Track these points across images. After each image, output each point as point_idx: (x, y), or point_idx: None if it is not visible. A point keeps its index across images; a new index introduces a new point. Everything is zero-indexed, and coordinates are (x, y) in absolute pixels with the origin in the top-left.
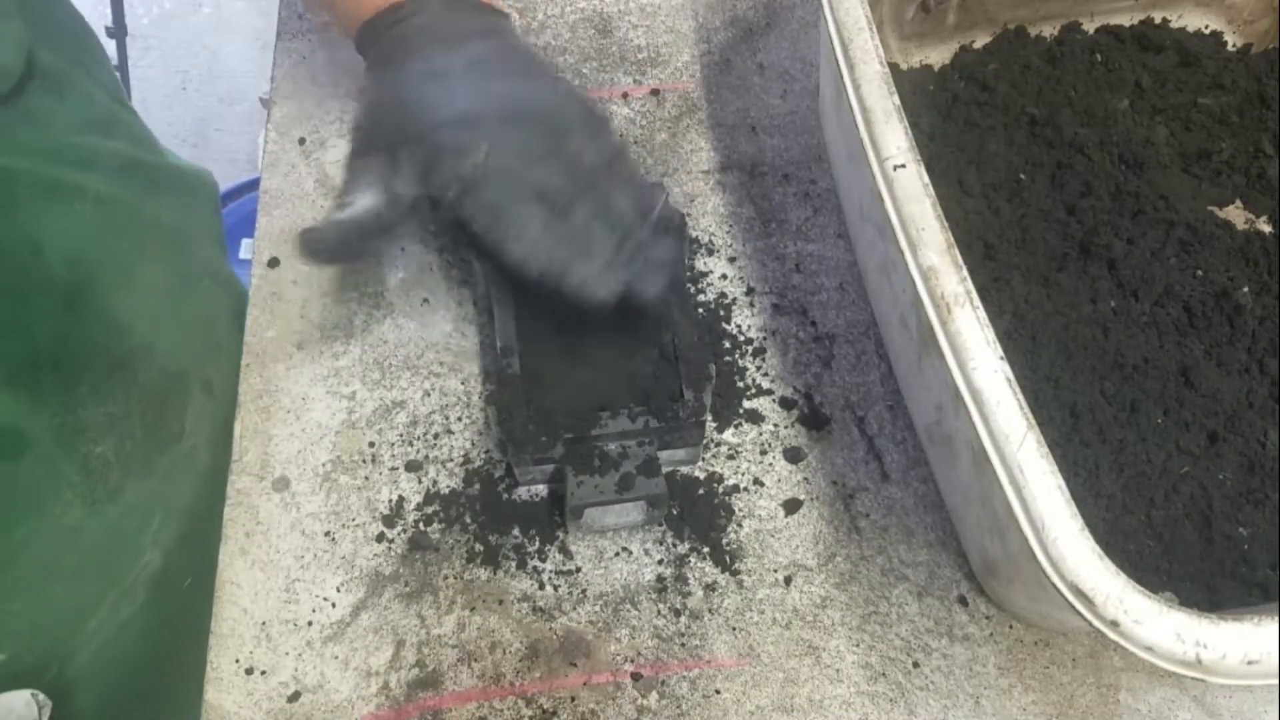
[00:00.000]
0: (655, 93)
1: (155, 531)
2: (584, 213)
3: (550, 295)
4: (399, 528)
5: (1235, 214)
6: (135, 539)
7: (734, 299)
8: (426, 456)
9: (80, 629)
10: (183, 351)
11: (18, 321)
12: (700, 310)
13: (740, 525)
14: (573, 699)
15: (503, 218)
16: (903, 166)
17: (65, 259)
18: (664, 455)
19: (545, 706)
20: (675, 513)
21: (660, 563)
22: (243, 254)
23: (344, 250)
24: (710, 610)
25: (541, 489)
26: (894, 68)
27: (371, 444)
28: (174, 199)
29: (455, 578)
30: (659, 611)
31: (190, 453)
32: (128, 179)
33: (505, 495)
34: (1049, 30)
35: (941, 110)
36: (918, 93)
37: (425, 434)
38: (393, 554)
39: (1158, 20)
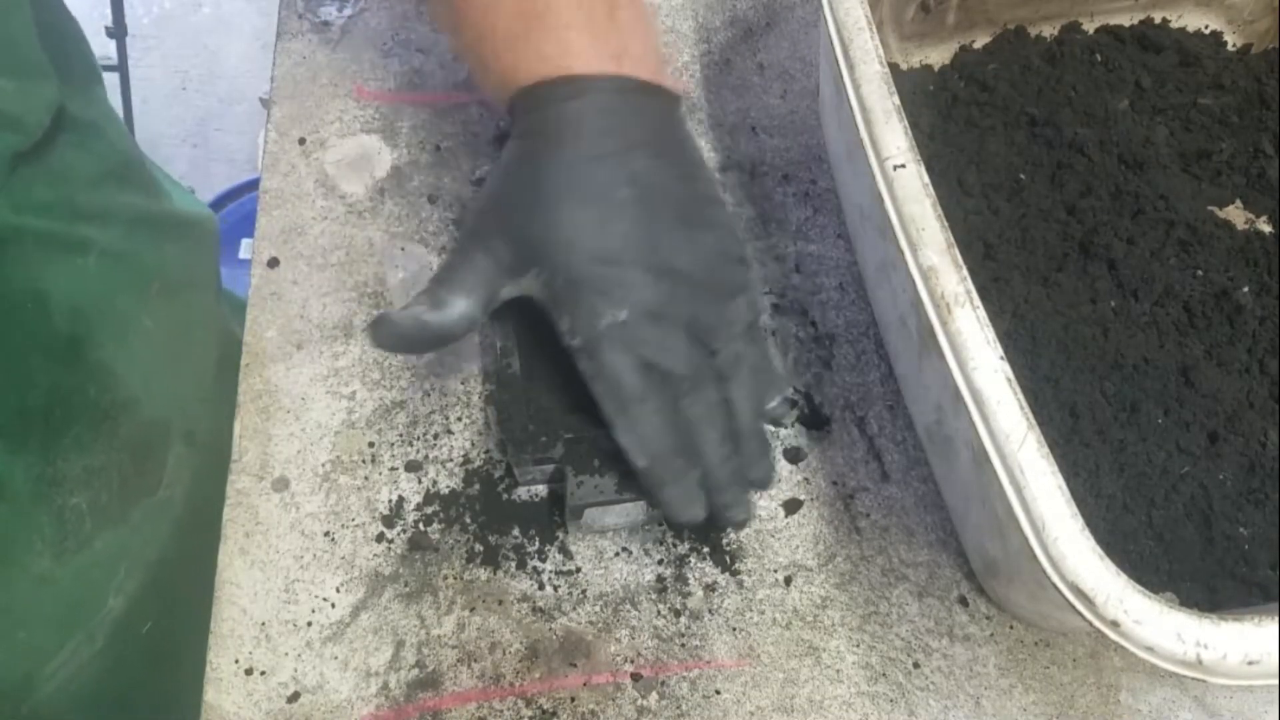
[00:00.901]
0: None
1: (121, 580)
2: (700, 407)
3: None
4: (399, 528)
5: (1235, 214)
6: (101, 587)
7: None
8: (426, 456)
9: (40, 671)
10: (169, 403)
11: (13, 372)
12: None
13: None
14: (573, 699)
15: (620, 394)
16: (903, 166)
17: (67, 312)
18: None
19: (545, 707)
20: None
21: (660, 563)
22: (242, 254)
23: (419, 348)
24: (710, 610)
25: (541, 489)
26: (894, 68)
27: (371, 444)
28: (178, 248)
29: (455, 578)
30: (659, 612)
31: (164, 503)
32: (137, 231)
33: (505, 495)
34: (1049, 30)
35: (941, 110)
36: (918, 93)
37: (425, 434)
38: (393, 554)
39: (1158, 20)
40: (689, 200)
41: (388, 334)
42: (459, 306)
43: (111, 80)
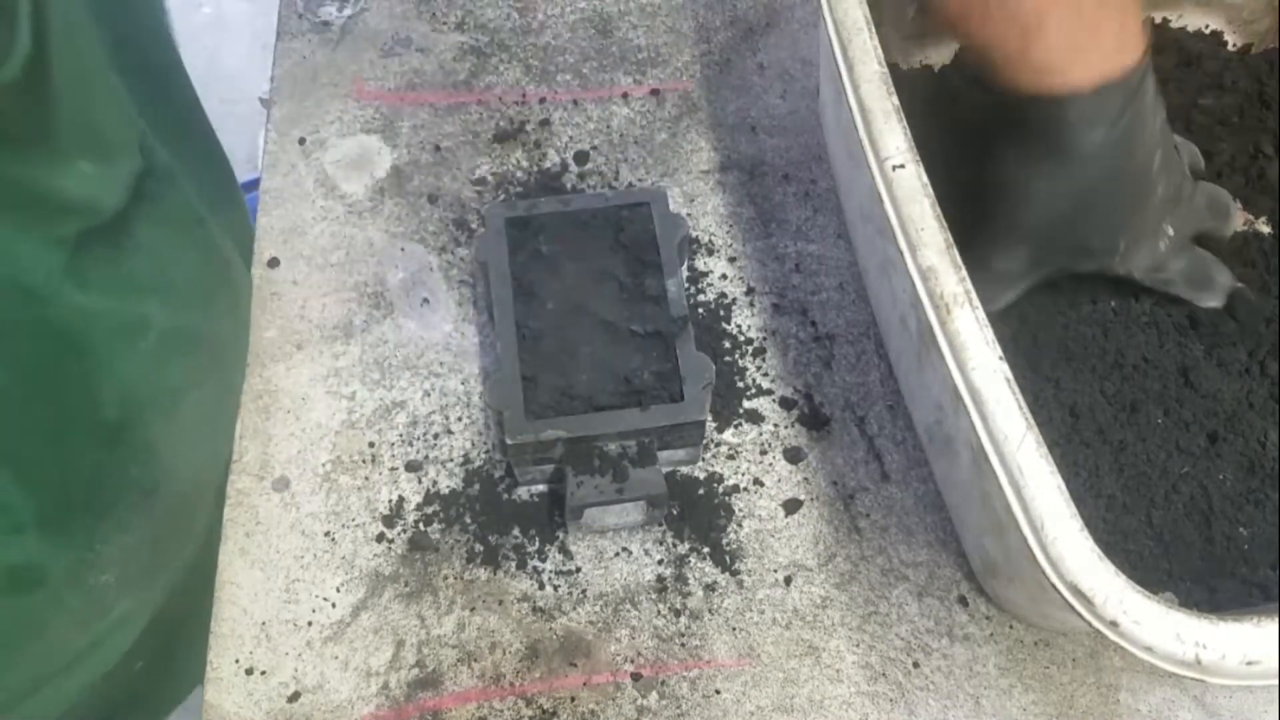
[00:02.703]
0: (655, 93)
1: (130, 635)
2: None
3: None
4: (399, 528)
5: (1235, 214)
6: (112, 647)
7: (734, 299)
8: (426, 456)
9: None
10: (205, 466)
11: (60, 462)
12: (700, 310)
13: (740, 525)
14: (573, 699)
15: (1198, 282)
16: (902, 166)
17: (118, 398)
18: (664, 455)
19: (545, 706)
20: (675, 513)
21: (660, 563)
22: None
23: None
24: (710, 610)
25: (541, 489)
26: (894, 68)
27: (371, 444)
28: (226, 306)
29: (455, 578)
30: (659, 611)
31: (186, 562)
32: (192, 299)
33: (505, 495)
34: None
35: (941, 110)
36: (918, 93)
37: (425, 434)
38: (393, 554)
39: (1158, 20)
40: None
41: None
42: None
43: None
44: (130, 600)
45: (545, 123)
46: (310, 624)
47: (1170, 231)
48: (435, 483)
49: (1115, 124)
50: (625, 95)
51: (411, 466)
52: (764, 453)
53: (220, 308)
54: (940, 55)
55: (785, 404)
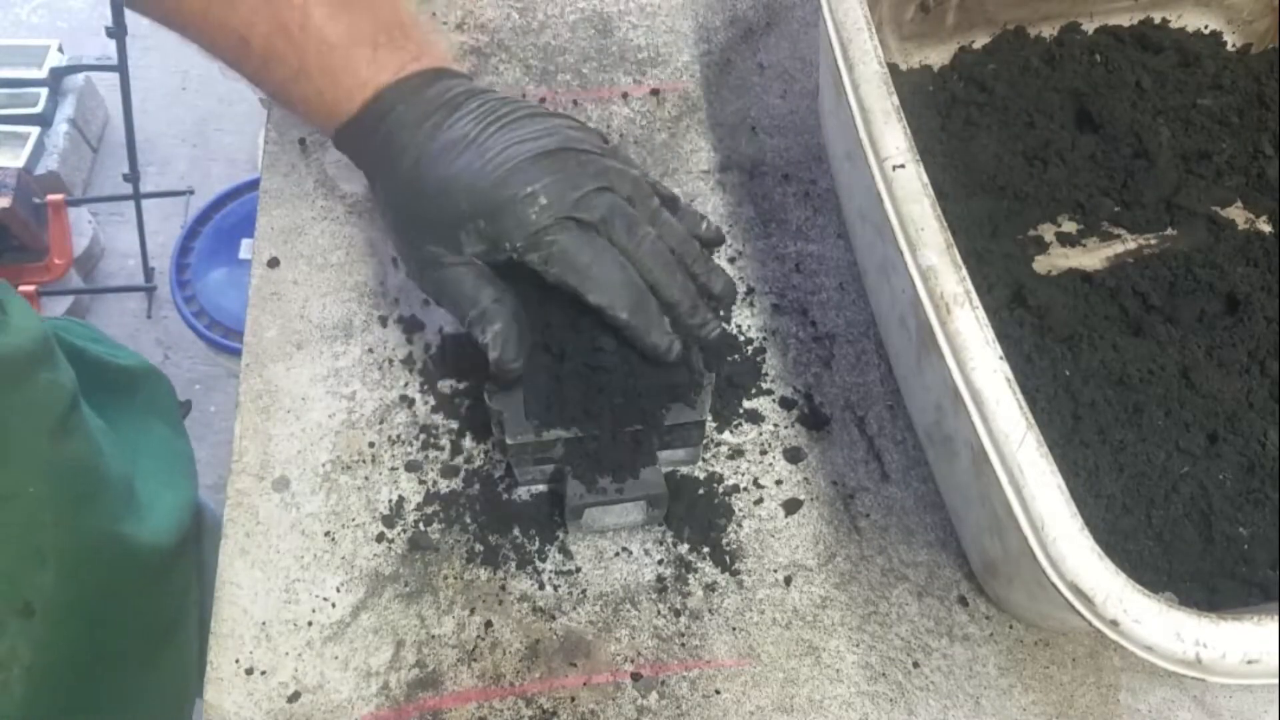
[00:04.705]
0: (655, 93)
1: None
2: (645, 244)
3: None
4: (399, 528)
5: (1235, 214)
6: None
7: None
8: (426, 456)
9: None
10: None
11: None
12: None
13: (740, 525)
14: (573, 699)
15: (576, 264)
16: (902, 166)
17: None
18: (664, 455)
19: (545, 706)
20: (675, 513)
21: (660, 563)
22: (242, 254)
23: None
24: (710, 610)
25: (541, 489)
26: (893, 68)
27: (371, 444)
28: None
29: (455, 578)
30: (659, 611)
31: (2, 688)
32: None
33: (505, 495)
34: (1048, 30)
35: (941, 110)
36: (917, 93)
37: (425, 434)
38: (393, 554)
39: (1157, 20)
40: (526, 109)
41: (508, 382)
42: (496, 310)
43: (111, 80)
44: None
45: None
46: (310, 624)
47: (539, 202)
48: (435, 483)
49: (377, 155)
50: (625, 95)
51: (411, 466)
52: (764, 453)
53: None
54: (940, 55)
55: (785, 404)
